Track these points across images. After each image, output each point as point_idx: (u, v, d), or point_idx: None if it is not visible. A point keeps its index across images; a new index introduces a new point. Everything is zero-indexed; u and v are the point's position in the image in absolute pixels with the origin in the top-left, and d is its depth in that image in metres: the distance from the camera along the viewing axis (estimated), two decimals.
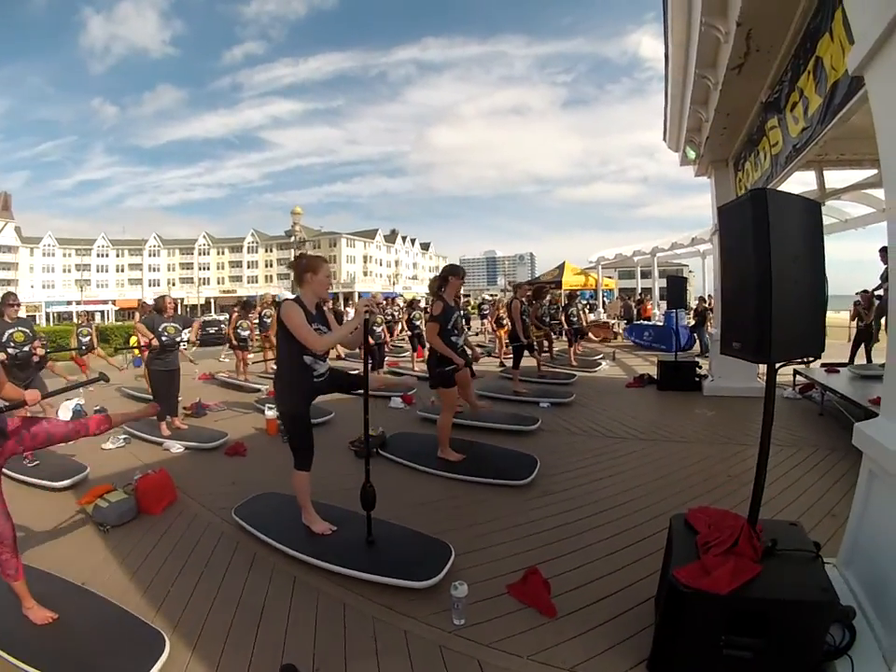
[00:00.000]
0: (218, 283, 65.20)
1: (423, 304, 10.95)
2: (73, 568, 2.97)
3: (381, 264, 69.79)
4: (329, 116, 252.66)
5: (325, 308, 3.12)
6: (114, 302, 52.96)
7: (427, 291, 4.59)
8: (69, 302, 48.12)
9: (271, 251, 63.72)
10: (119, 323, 32.15)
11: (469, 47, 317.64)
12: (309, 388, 2.98)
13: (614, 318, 17.03)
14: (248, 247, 64.53)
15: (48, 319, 45.32)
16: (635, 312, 16.54)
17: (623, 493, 3.84)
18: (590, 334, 14.05)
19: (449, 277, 4.28)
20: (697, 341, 11.57)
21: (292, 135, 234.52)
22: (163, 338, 5.53)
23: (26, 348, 4.75)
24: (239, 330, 9.17)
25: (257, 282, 62.22)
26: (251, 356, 9.72)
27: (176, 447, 5.33)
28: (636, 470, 4.34)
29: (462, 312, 5.79)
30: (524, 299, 7.49)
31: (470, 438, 5.05)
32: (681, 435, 5.35)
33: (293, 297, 2.95)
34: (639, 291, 19.20)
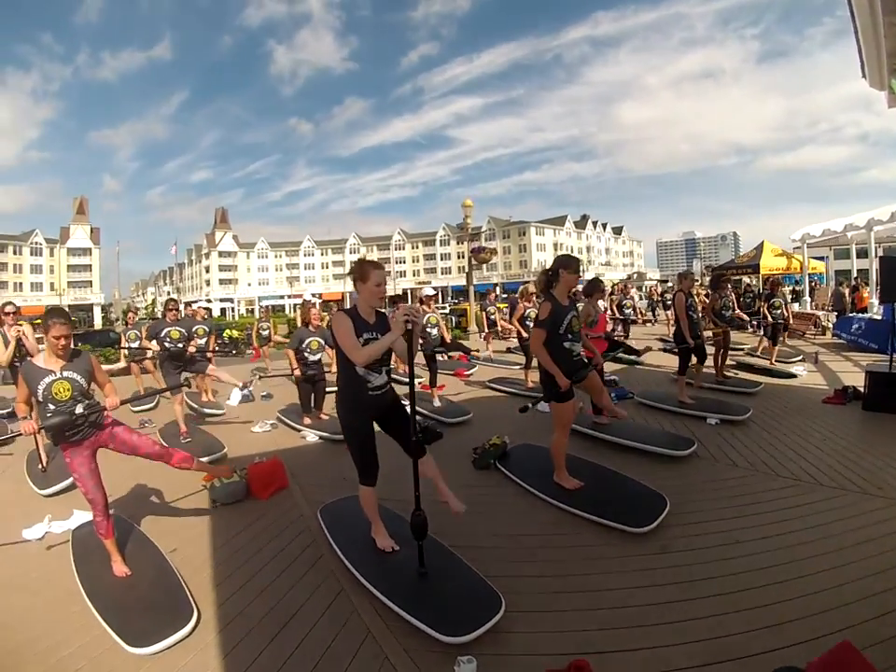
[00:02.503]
0: (414, 275, 73.35)
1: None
2: (173, 535, 3.77)
3: (572, 251, 71.07)
4: (510, 106, 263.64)
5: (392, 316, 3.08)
6: (320, 296, 62.44)
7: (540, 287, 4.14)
8: (281, 297, 58.33)
9: (462, 243, 68.10)
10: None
11: (641, 14, 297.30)
12: (364, 401, 3.02)
13: (823, 309, 14.23)
14: (440, 240, 71.47)
15: (267, 310, 55.55)
16: (848, 301, 13.66)
17: (778, 569, 3.01)
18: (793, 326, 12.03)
19: (560, 271, 3.94)
20: None
21: (476, 130, 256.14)
22: (306, 352, 6.24)
23: (181, 344, 6.04)
24: None
25: (450, 273, 67.67)
26: None
27: (312, 436, 6.11)
28: (803, 536, 3.38)
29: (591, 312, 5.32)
30: (689, 290, 6.50)
31: (614, 457, 4.79)
32: (879, 483, 4.09)
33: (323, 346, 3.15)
34: (854, 275, 15.35)
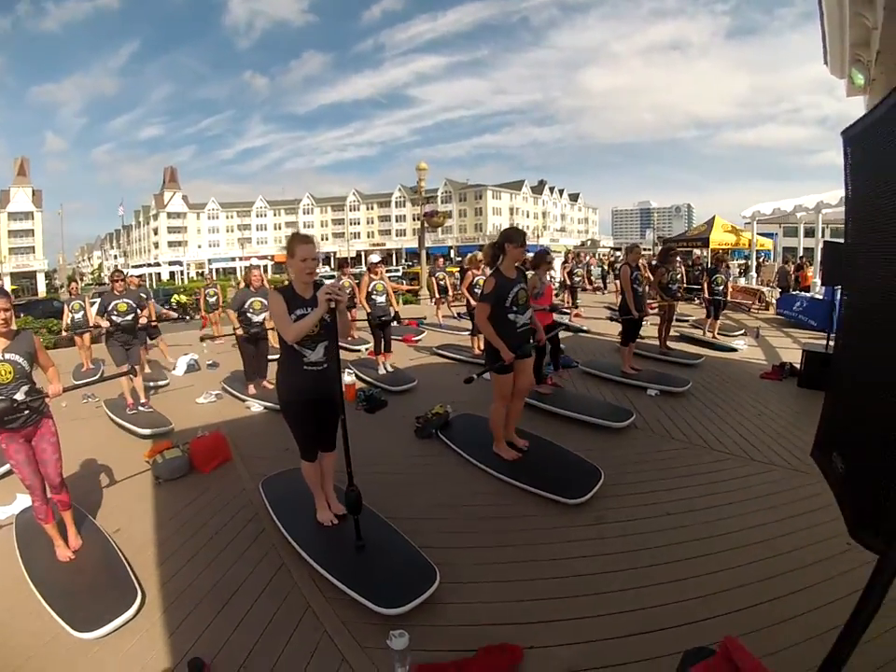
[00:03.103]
0: (368, 237, 72.22)
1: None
2: (118, 514, 3.79)
3: (527, 216, 72.80)
4: (474, 67, 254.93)
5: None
6: (272, 258, 60.85)
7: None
8: (232, 259, 56.53)
9: (418, 205, 67.42)
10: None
11: None
12: (300, 376, 3.01)
13: (768, 285, 14.81)
14: (396, 202, 70.56)
15: (211, 275, 53.52)
16: (792, 279, 14.21)
17: (706, 542, 3.21)
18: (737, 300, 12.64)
19: (506, 245, 3.96)
20: None
21: (438, 90, 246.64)
22: (249, 313, 6.16)
23: (129, 317, 5.80)
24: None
25: (405, 235, 67.41)
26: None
27: (256, 406, 6.10)
28: (733, 510, 3.57)
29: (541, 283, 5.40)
30: (635, 263, 6.65)
31: (554, 426, 4.94)
32: (807, 460, 4.34)
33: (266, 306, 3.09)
34: (800, 254, 16.07)
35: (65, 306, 8.84)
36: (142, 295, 7.56)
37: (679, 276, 8.29)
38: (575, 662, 2.31)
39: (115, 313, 5.67)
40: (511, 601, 2.72)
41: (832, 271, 7.26)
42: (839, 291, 6.47)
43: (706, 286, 9.31)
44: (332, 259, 68.01)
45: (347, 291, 9.84)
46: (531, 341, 4.22)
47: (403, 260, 59.95)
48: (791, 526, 3.33)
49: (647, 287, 7.10)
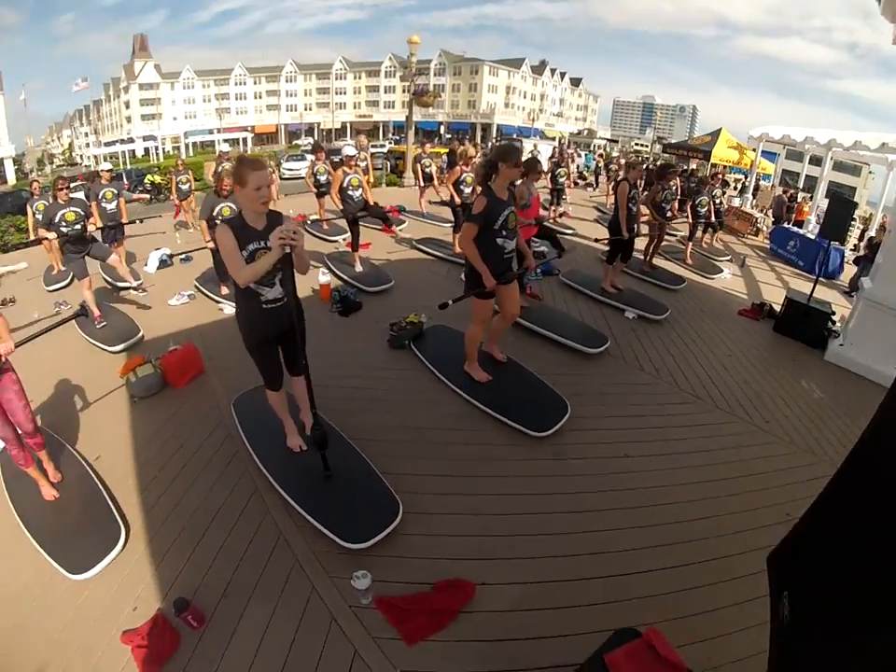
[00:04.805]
0: (355, 107, 67.69)
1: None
2: (96, 440, 3.84)
3: (524, 97, 67.78)
4: None
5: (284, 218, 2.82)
6: (252, 129, 57.63)
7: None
8: (210, 131, 53.63)
9: (407, 81, 62.68)
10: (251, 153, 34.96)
11: None
12: (258, 315, 2.90)
13: (762, 212, 14.09)
14: (386, 72, 64.94)
15: (187, 149, 50.87)
16: (785, 210, 13.53)
17: (657, 491, 3.34)
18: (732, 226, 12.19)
19: (500, 164, 3.66)
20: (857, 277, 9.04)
21: None
22: (219, 220, 5.76)
23: (78, 226, 5.47)
24: (318, 176, 9.28)
25: (393, 107, 63.22)
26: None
27: (229, 308, 5.97)
28: (688, 460, 3.70)
29: (527, 199, 5.07)
30: (634, 181, 6.30)
31: (528, 343, 4.95)
32: (767, 416, 4.41)
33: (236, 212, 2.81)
34: (800, 184, 15.33)
35: (28, 207, 8.16)
36: (112, 191, 7.18)
37: (671, 196, 7.87)
38: (520, 602, 2.51)
39: (63, 223, 5.35)
40: (467, 535, 2.89)
41: (833, 226, 6.98)
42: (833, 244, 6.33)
43: (689, 208, 8.84)
44: (316, 130, 64.33)
45: (323, 178, 9.48)
46: (516, 268, 4.05)
47: (391, 134, 56.88)
48: (741, 486, 3.45)
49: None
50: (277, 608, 2.50)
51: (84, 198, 6.98)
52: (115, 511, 3.03)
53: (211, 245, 5.88)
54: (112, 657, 2.31)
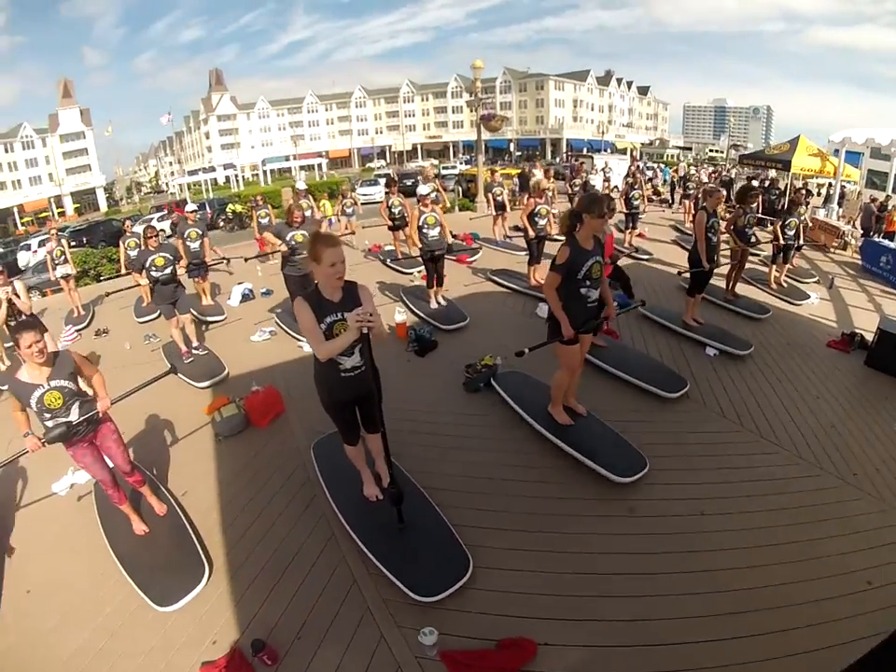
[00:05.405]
0: (424, 129, 70.16)
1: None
2: (183, 475, 4.24)
3: (592, 109, 68.20)
4: None
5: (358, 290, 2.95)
6: (326, 154, 60.49)
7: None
8: (286, 158, 56.73)
9: (473, 109, 63.98)
10: (325, 178, 36.72)
11: None
12: (336, 382, 3.02)
13: (850, 224, 12.77)
14: (452, 92, 67.16)
15: (265, 176, 54.06)
16: (873, 220, 12.21)
17: (739, 553, 3.20)
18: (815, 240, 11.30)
19: (584, 215, 3.70)
20: None
21: None
22: (293, 244, 6.13)
23: (167, 270, 5.96)
24: (392, 209, 9.52)
25: (462, 127, 64.55)
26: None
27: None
28: (771, 518, 3.50)
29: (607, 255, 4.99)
30: (713, 209, 6.10)
31: (604, 384, 5.03)
32: (855, 467, 4.06)
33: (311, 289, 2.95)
34: (889, 187, 13.35)
35: (121, 243, 9.08)
36: (197, 231, 7.77)
37: (753, 220, 7.52)
38: (580, 665, 2.55)
39: (153, 269, 5.82)
40: (533, 593, 2.94)
41: None
42: None
43: (777, 229, 8.28)
44: (388, 152, 67.08)
45: (397, 210, 9.80)
46: (598, 318, 4.11)
47: (461, 154, 58.41)
48: (822, 550, 3.25)
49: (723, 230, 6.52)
50: (346, 653, 2.65)
51: (173, 226, 7.53)
52: (199, 547, 3.33)
53: (283, 247, 6.18)
54: None
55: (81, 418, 3.16)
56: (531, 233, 7.63)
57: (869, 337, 6.13)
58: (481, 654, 2.55)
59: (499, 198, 10.98)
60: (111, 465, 3.47)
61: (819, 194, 15.77)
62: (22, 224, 44.64)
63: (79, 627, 2.94)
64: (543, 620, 2.76)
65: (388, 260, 9.85)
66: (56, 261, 8.37)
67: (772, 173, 15.85)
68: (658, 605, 2.87)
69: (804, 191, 10.70)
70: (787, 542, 3.31)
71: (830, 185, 16.14)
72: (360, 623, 2.80)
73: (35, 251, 18.08)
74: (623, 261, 7.25)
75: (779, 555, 3.20)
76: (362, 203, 23.07)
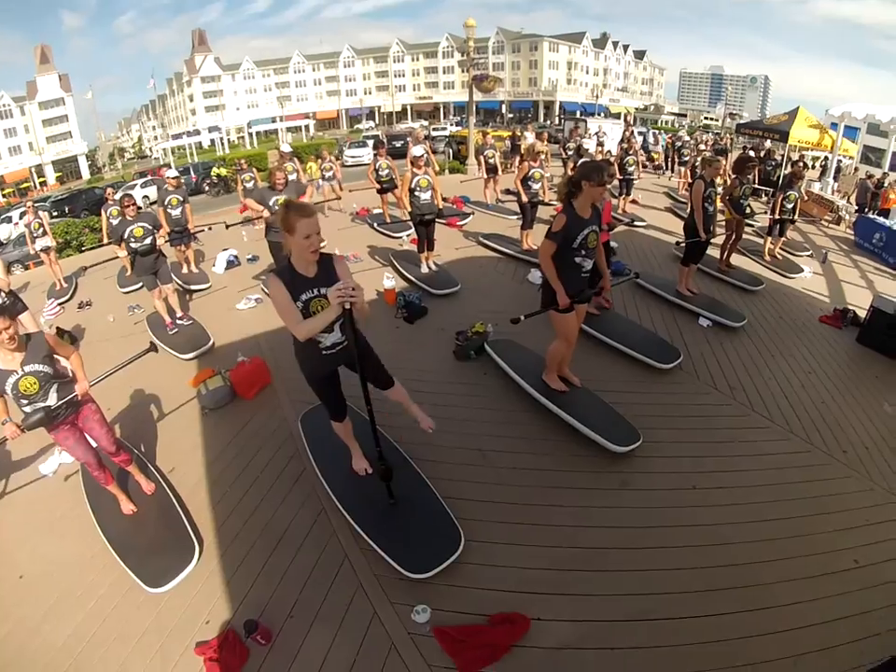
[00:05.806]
0: (414, 89, 68.37)
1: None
2: (170, 451, 4.16)
3: (587, 72, 66.74)
4: None
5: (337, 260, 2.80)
6: (314, 115, 59.29)
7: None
8: (272, 119, 55.30)
9: (465, 68, 62.50)
10: (312, 140, 35.89)
11: None
12: (318, 360, 2.93)
13: (845, 198, 12.76)
14: (444, 52, 65.19)
15: (251, 138, 52.87)
16: (869, 197, 12.18)
17: (727, 528, 3.22)
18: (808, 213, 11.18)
19: (583, 183, 3.59)
20: None
21: None
22: (276, 209, 5.91)
23: (147, 241, 5.73)
24: (380, 171, 9.32)
25: (453, 88, 63.14)
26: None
27: None
28: (761, 494, 3.52)
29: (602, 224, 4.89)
30: (711, 179, 5.96)
31: (597, 353, 4.98)
32: (845, 445, 4.08)
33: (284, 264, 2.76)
34: (885, 164, 13.45)
35: (103, 212, 8.81)
36: (178, 197, 7.53)
37: (749, 190, 7.36)
38: (574, 640, 2.55)
39: (132, 239, 5.64)
40: (525, 567, 2.93)
41: None
42: None
43: (778, 201, 8.12)
44: (377, 114, 65.55)
45: (385, 173, 9.59)
46: (593, 287, 4.04)
47: (452, 115, 57.04)
48: (811, 527, 3.27)
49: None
50: (340, 630, 2.65)
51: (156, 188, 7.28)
52: (189, 526, 3.28)
53: (266, 214, 5.95)
54: (187, 665, 2.55)
55: (60, 402, 3.05)
56: (524, 198, 7.47)
57: (861, 314, 6.13)
58: (474, 630, 2.55)
59: (491, 160, 10.72)
60: (95, 446, 3.38)
61: (813, 167, 15.57)
62: (3, 195, 43.22)
63: (72, 612, 2.91)
64: (536, 594, 2.76)
65: (376, 224, 9.73)
66: (35, 234, 8.12)
67: (767, 143, 15.61)
68: (652, 579, 2.87)
69: (801, 164, 10.57)
70: (777, 518, 3.33)
71: (826, 158, 15.96)
72: (353, 599, 2.79)
73: (17, 223, 17.52)
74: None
75: (769, 531, 3.22)
76: (351, 166, 23.01)
